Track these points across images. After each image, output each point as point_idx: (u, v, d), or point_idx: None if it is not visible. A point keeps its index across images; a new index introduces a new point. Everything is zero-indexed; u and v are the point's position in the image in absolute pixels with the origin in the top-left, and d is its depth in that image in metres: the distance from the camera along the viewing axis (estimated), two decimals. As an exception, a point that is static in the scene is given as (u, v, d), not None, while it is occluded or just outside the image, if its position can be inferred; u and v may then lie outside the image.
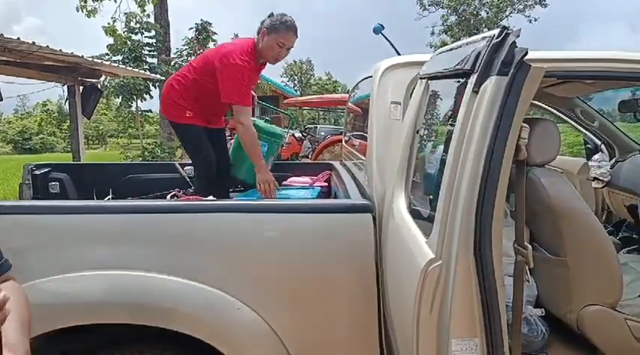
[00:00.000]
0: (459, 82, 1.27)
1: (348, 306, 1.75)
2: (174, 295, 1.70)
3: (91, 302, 1.67)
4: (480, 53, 1.13)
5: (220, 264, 1.76)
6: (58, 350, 1.82)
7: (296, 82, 48.40)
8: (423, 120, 1.52)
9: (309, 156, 11.12)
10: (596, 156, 3.23)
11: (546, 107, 3.38)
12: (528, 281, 1.17)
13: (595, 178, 3.20)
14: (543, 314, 2.16)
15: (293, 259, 1.77)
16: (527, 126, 1.10)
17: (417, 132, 1.53)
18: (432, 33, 33.99)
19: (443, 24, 33.01)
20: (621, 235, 3.01)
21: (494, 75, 1.08)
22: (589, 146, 3.45)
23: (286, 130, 9.56)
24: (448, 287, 1.13)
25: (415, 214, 1.45)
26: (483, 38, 1.16)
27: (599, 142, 3.33)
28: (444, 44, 32.93)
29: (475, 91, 1.12)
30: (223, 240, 1.78)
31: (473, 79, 1.13)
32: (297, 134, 13.18)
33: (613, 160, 3.24)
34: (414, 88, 1.75)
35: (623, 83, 2.33)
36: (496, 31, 1.11)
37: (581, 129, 3.41)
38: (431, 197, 1.30)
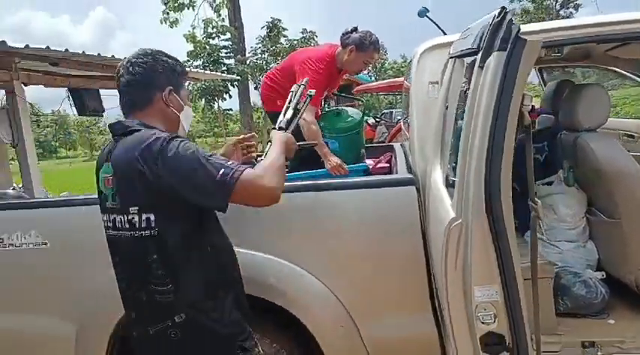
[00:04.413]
0: (472, 59, 1.40)
1: (400, 269, 1.93)
2: (262, 268, 1.93)
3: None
4: (483, 32, 1.26)
5: (289, 238, 2.00)
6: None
7: (370, 68, 47.96)
8: (451, 97, 1.65)
9: (385, 142, 11.19)
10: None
11: (621, 71, 3.26)
12: (542, 233, 1.27)
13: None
14: (604, 277, 2.20)
15: (350, 230, 1.96)
16: (529, 94, 1.22)
17: (447, 108, 1.66)
18: (512, 0, 32.07)
19: (524, -10, 31.02)
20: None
21: (496, 51, 1.20)
22: (666, 107, 3.27)
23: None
24: (468, 242, 1.29)
25: (447, 183, 1.60)
26: (490, 19, 1.28)
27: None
28: (525, 11, 31.04)
29: (481, 67, 1.25)
30: (292, 217, 1.99)
31: (479, 56, 1.27)
32: (371, 120, 13.26)
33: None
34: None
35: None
36: (496, 12, 1.23)
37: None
38: (454, 165, 1.45)
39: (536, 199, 1.25)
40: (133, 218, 1.32)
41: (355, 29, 2.92)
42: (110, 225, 1.41)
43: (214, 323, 1.40)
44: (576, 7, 30.63)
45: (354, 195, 2.01)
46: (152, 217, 1.31)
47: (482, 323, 1.29)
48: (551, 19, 28.74)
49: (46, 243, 2.15)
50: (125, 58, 1.47)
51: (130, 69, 1.42)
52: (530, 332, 1.31)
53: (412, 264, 1.90)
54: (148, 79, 1.43)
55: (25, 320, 2.25)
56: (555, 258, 2.27)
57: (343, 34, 2.92)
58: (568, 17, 29.35)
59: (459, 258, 1.32)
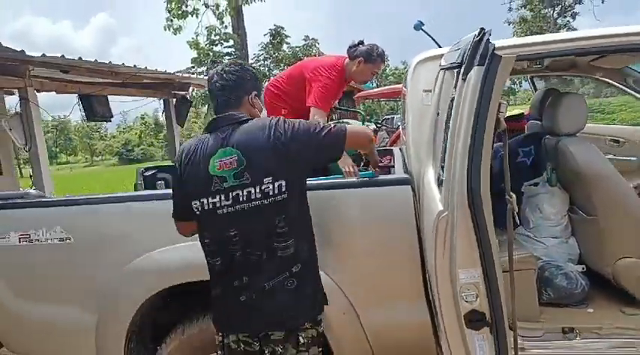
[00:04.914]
0: (457, 72, 1.59)
1: (397, 261, 2.10)
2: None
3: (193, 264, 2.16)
4: (466, 49, 1.46)
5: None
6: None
7: (371, 74, 48.17)
8: (442, 105, 1.85)
9: (386, 146, 11.35)
10: (653, 123, 3.27)
11: (606, 80, 3.46)
12: (518, 224, 1.46)
13: (654, 144, 3.24)
14: (584, 270, 2.40)
15: (352, 225, 2.13)
16: (505, 102, 1.41)
17: (438, 114, 1.86)
18: (510, 9, 32.53)
19: (521, -2, 31.45)
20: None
21: (476, 66, 1.40)
22: (649, 113, 3.47)
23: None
24: (454, 231, 1.48)
25: (438, 182, 1.79)
26: (471, 37, 1.48)
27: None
28: (523, 20, 31.42)
29: (463, 79, 1.45)
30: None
31: (462, 69, 1.46)
32: (372, 126, 13.47)
33: (673, 125, 3.25)
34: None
35: None
36: (477, 32, 1.43)
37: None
38: (442, 164, 1.64)
39: (511, 193, 1.44)
40: (267, 187, 1.61)
41: (361, 42, 3.14)
42: (228, 202, 1.63)
43: (317, 269, 1.80)
44: (573, 16, 31.05)
45: (356, 193, 2.18)
46: (283, 183, 1.62)
47: (466, 301, 1.48)
48: (550, 27, 29.13)
49: (70, 239, 2.34)
50: (217, 67, 1.86)
51: (224, 76, 1.76)
52: (507, 311, 1.50)
53: (408, 256, 2.07)
54: (239, 84, 1.77)
55: (48, 311, 2.42)
56: (541, 252, 2.47)
57: (350, 46, 3.14)
58: (565, 25, 29.73)
59: (446, 245, 1.51)
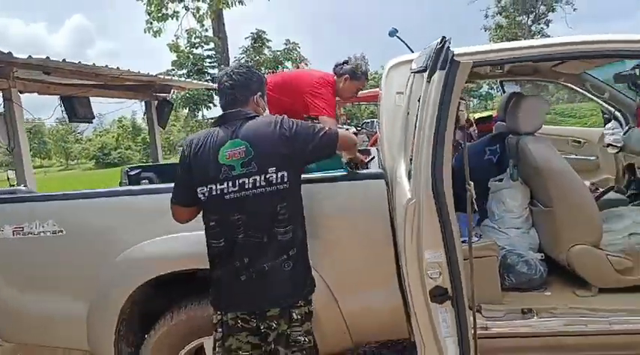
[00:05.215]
0: (422, 75, 1.79)
1: (372, 249, 2.28)
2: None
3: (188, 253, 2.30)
4: (430, 55, 1.66)
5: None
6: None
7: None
8: (412, 105, 2.04)
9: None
10: (608, 125, 3.55)
11: (566, 84, 3.72)
12: (476, 211, 1.65)
13: (609, 145, 3.51)
14: (543, 257, 2.62)
15: (331, 216, 2.28)
16: (464, 101, 1.61)
17: (408, 114, 2.05)
18: (486, 16, 33.38)
19: (497, 5, 32.28)
20: (629, 192, 3.32)
21: (439, 69, 1.59)
22: (606, 116, 3.75)
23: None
24: (421, 217, 1.67)
25: (409, 176, 1.98)
26: (434, 45, 1.68)
27: (613, 110, 3.64)
28: (499, 26, 32.28)
29: (428, 81, 1.64)
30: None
31: (427, 73, 1.66)
32: (352, 129, 13.74)
33: (627, 127, 3.53)
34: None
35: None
36: (439, 40, 1.63)
37: (597, 100, 3.71)
38: (411, 158, 1.83)
39: (470, 182, 1.63)
40: (271, 176, 1.80)
41: (346, 61, 3.39)
42: (234, 188, 1.80)
43: (307, 252, 1.99)
44: (547, 23, 32.11)
45: (335, 187, 2.34)
46: (285, 174, 1.81)
47: (431, 278, 1.67)
48: (524, 34, 29.98)
49: (62, 231, 2.45)
50: (227, 68, 2.05)
51: (233, 76, 1.95)
52: (466, 286, 1.69)
53: (382, 244, 2.26)
54: (246, 84, 1.95)
55: (41, 301, 2.53)
56: (504, 242, 2.68)
57: (336, 65, 3.38)
58: (539, 32, 30.66)
59: (414, 229, 1.70)
